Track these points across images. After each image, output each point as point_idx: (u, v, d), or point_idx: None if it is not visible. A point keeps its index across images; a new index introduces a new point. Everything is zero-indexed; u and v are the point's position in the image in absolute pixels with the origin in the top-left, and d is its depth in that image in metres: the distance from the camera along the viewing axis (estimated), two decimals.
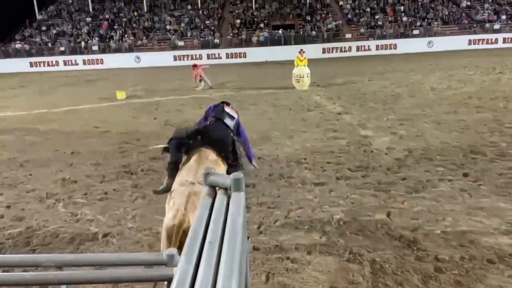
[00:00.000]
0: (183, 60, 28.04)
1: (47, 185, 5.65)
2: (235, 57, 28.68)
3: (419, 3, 32.05)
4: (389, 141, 6.93)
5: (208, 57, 28.27)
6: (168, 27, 31.92)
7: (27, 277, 1.35)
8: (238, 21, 31.85)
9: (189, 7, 34.18)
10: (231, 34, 30.42)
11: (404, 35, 28.73)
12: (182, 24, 32.03)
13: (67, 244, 3.98)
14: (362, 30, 29.62)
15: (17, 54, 30.19)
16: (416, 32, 28.82)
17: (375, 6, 32.40)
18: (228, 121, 3.83)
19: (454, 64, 18.20)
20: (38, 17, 34.48)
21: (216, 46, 29.43)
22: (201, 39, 29.94)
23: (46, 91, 17.33)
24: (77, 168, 6.35)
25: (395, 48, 27.90)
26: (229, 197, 1.28)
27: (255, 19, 32.05)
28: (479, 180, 4.99)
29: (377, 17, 30.77)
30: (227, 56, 28.79)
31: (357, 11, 32.14)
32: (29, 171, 6.34)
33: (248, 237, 1.44)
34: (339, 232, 3.90)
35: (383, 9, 31.87)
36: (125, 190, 5.33)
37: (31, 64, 29.41)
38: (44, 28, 33.20)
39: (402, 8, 31.59)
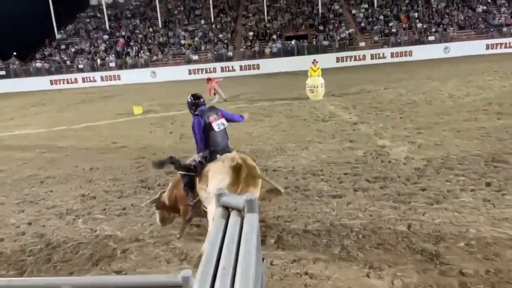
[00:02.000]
0: (198, 73, 28.41)
1: (67, 201, 5.75)
2: (249, 69, 28.90)
3: (434, 9, 31.74)
4: (407, 150, 6.80)
5: (222, 70, 28.58)
6: (182, 41, 32.49)
7: None
8: (251, 33, 32.17)
9: (202, 21, 34.78)
10: (244, 47, 30.73)
11: (419, 42, 28.43)
12: (196, 39, 32.57)
13: (87, 261, 4.02)
14: (376, 38, 29.47)
15: (38, 72, 31.18)
16: (431, 38, 28.47)
17: (389, 13, 32.26)
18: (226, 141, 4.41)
19: (472, 70, 17.87)
20: (58, 36, 35.65)
21: (229, 59, 29.75)
22: (215, 52, 30.33)
23: (66, 108, 17.80)
24: (96, 184, 6.45)
25: (410, 55, 27.62)
26: (242, 219, 1.26)
27: (268, 30, 32.31)
28: (503, 189, 4.83)
29: (391, 24, 30.59)
30: (241, 68, 29.03)
31: (370, 19, 32.04)
32: (49, 187, 6.48)
33: (263, 259, 1.41)
34: (358, 245, 3.82)
35: (397, 16, 31.68)
36: None
37: (51, 82, 30.30)
38: (63, 46, 34.28)
39: (416, 14, 31.35)
